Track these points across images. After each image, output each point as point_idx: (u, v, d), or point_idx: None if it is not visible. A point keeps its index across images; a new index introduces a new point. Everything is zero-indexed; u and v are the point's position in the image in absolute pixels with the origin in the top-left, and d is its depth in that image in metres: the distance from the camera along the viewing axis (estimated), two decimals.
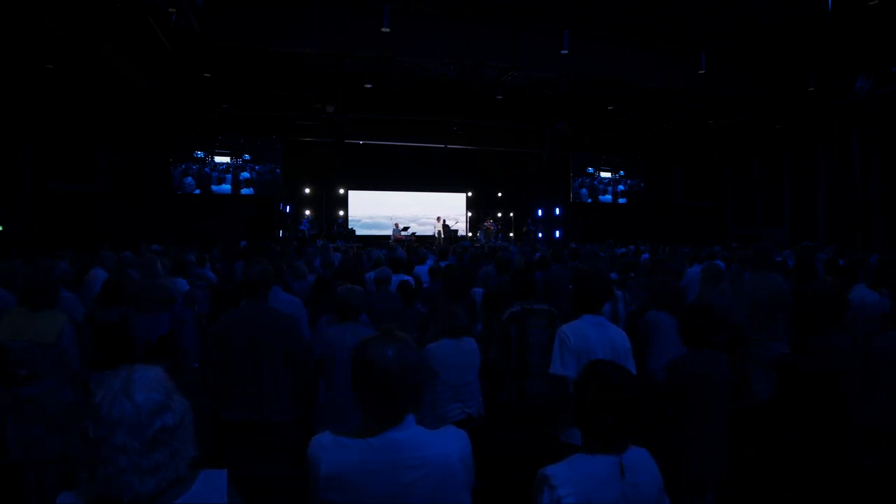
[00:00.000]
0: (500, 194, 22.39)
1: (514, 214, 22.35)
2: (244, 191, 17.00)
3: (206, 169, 16.66)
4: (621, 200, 20.94)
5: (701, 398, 2.79)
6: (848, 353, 3.22)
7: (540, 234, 20.49)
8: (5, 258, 8.35)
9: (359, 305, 3.45)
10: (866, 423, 3.09)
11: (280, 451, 3.06)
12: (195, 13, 9.07)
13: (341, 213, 20.47)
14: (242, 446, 3.07)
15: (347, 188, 20.65)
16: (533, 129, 17.88)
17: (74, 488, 1.16)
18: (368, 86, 13.64)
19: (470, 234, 20.55)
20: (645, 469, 1.73)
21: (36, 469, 3.21)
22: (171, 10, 8.33)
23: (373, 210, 20.99)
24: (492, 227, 19.80)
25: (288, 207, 18.34)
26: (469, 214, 22.09)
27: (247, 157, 16.99)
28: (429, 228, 19.95)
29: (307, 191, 19.62)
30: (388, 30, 10.38)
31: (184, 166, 16.51)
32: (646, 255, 9.67)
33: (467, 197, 22.35)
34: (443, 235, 18.57)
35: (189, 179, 16.53)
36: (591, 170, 20.52)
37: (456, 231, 19.47)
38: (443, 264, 6.89)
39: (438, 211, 20.36)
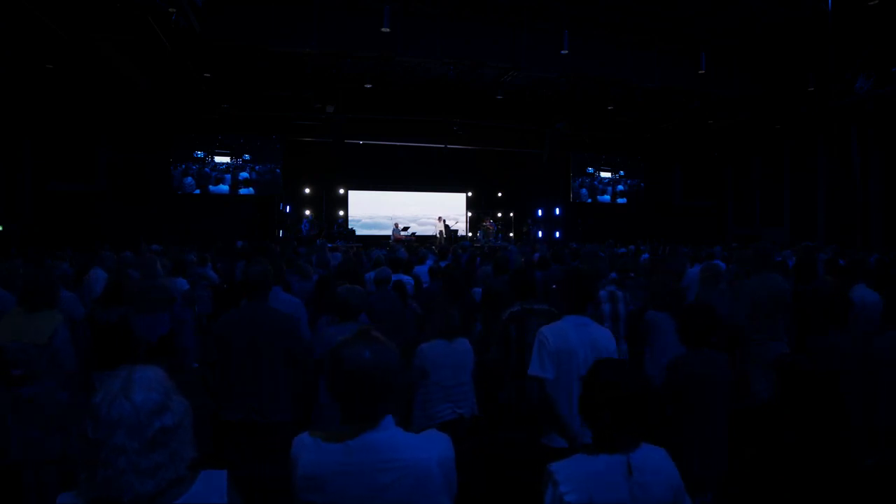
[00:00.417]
0: (500, 194, 22.39)
1: (514, 214, 22.35)
2: (244, 191, 16.99)
3: (206, 169, 16.66)
4: (621, 200, 20.94)
5: (701, 398, 2.79)
6: (848, 353, 3.22)
7: (540, 234, 20.48)
8: (5, 258, 8.35)
9: (359, 305, 3.46)
10: (866, 423, 3.09)
11: (280, 452, 3.03)
12: (195, 13, 9.07)
13: (341, 213, 20.46)
14: (242, 446, 3.07)
15: (347, 188, 20.65)
16: (533, 129, 17.88)
17: (74, 488, 1.16)
18: (368, 86, 13.63)
19: (470, 234, 20.54)
20: (656, 469, 1.70)
21: (36, 469, 3.21)
22: (171, 10, 8.32)
23: (373, 210, 20.99)
24: (491, 227, 19.80)
25: (288, 207, 18.35)
26: (469, 214, 22.09)
27: (247, 157, 16.99)
28: (429, 228, 19.95)
29: (307, 191, 19.62)
30: (388, 30, 10.38)
31: (184, 166, 16.50)
32: (646, 255, 9.68)
33: (467, 197, 22.35)
34: (444, 235, 18.56)
35: (189, 179, 16.53)
36: (591, 170, 20.52)
37: (456, 231, 19.47)
38: (443, 264, 6.89)
39: (438, 211, 20.36)
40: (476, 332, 4.22)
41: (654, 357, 3.87)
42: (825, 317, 3.43)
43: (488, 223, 20.02)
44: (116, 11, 8.74)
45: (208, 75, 13.10)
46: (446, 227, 19.03)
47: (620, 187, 20.96)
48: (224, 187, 16.78)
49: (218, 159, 16.80)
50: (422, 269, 6.80)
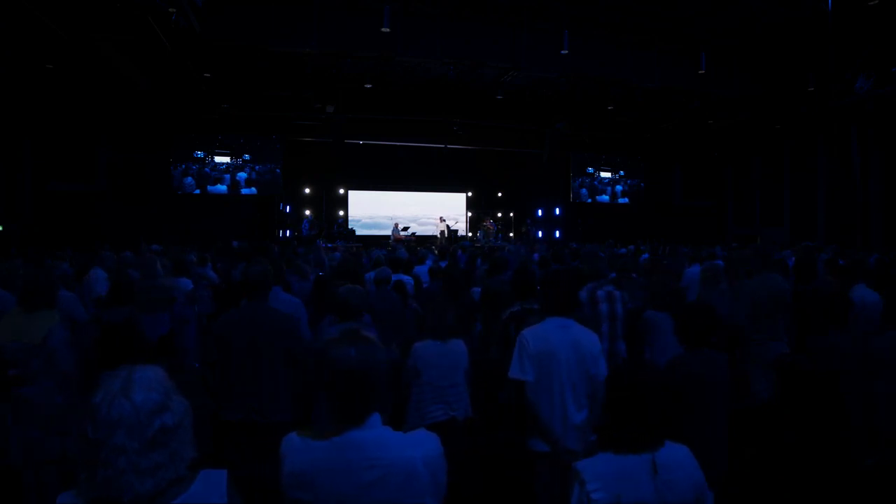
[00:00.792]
0: (500, 194, 22.39)
1: (514, 214, 22.36)
2: (246, 190, 17.00)
3: (206, 169, 16.66)
4: (623, 200, 20.94)
5: (700, 398, 2.79)
6: (848, 353, 3.21)
7: (540, 234, 20.49)
8: (5, 258, 8.34)
9: (359, 305, 3.45)
10: (866, 423, 3.09)
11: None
12: (195, 13, 9.07)
13: (341, 213, 20.47)
14: (242, 446, 3.07)
15: (347, 188, 20.65)
16: (533, 129, 17.88)
17: (74, 488, 1.16)
18: (368, 86, 13.63)
19: (470, 234, 20.54)
20: (681, 466, 1.73)
21: (36, 469, 3.21)
22: (171, 10, 8.32)
23: (373, 210, 20.99)
24: (491, 227, 19.80)
25: (288, 207, 18.35)
26: (469, 214, 22.09)
27: (247, 157, 16.99)
28: (429, 228, 19.95)
29: (307, 191, 19.62)
30: (388, 30, 10.38)
31: (184, 166, 16.50)
32: (645, 255, 9.68)
33: (467, 197, 22.35)
34: (445, 235, 18.57)
35: (189, 179, 16.53)
36: (591, 170, 20.52)
37: (456, 231, 19.48)
38: (443, 264, 6.89)
39: (439, 211, 20.37)
40: (475, 333, 4.22)
41: (654, 357, 3.87)
42: (825, 317, 3.43)
43: (488, 223, 20.02)
44: (116, 11, 8.74)
45: (208, 75, 13.10)
46: (447, 227, 19.03)
47: (620, 187, 20.96)
48: (222, 187, 16.78)
49: (218, 159, 16.80)
50: (422, 269, 6.80)
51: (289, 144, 17.40)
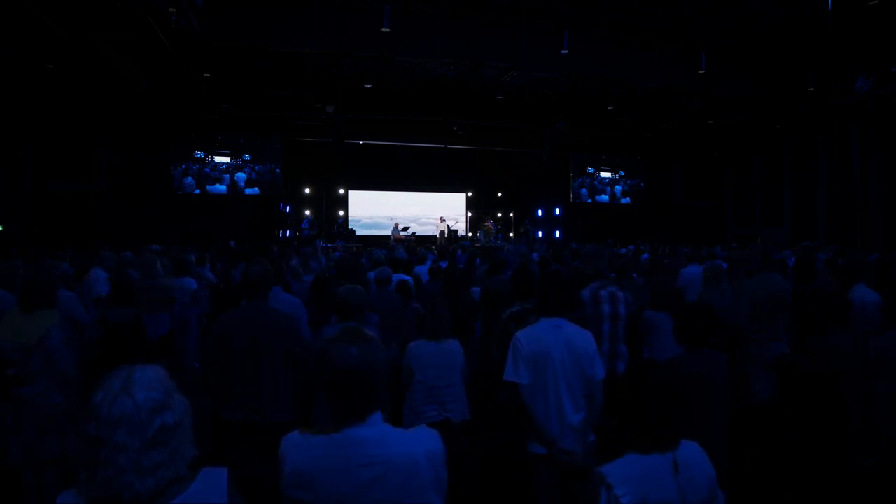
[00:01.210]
0: (500, 194, 22.39)
1: (514, 214, 22.35)
2: (249, 191, 17.01)
3: (206, 169, 16.67)
4: (625, 200, 20.95)
5: (700, 398, 2.79)
6: (848, 353, 3.21)
7: (540, 234, 20.49)
8: (5, 258, 8.34)
9: (359, 305, 3.45)
10: (866, 423, 3.09)
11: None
12: (195, 13, 9.07)
13: (341, 213, 20.47)
14: (242, 446, 3.07)
15: (347, 188, 20.65)
16: (533, 129, 17.88)
17: (75, 487, 1.16)
18: (368, 86, 13.63)
19: (470, 234, 20.55)
20: (698, 463, 1.75)
21: (36, 469, 3.21)
22: (171, 10, 8.32)
23: (373, 210, 20.99)
24: (491, 227, 19.80)
25: (288, 207, 18.36)
26: (469, 214, 22.09)
27: (247, 157, 16.99)
28: (429, 228, 19.95)
29: (307, 191, 19.62)
30: (388, 30, 10.38)
31: (184, 166, 16.50)
32: (645, 255, 9.68)
33: (467, 197, 22.35)
34: (445, 235, 18.57)
35: (189, 179, 16.53)
36: (591, 170, 20.52)
37: (456, 231, 19.48)
38: (443, 264, 6.89)
39: (439, 211, 20.36)
40: (475, 333, 4.22)
41: (653, 357, 3.87)
42: (825, 317, 3.43)
43: (489, 223, 20.02)
44: (116, 11, 8.74)
45: (208, 75, 13.10)
46: (447, 227, 19.04)
47: (620, 187, 20.96)
48: (222, 187, 16.78)
49: (218, 159, 16.79)
50: (422, 269, 6.80)
51: (289, 144, 17.40)
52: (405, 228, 18.71)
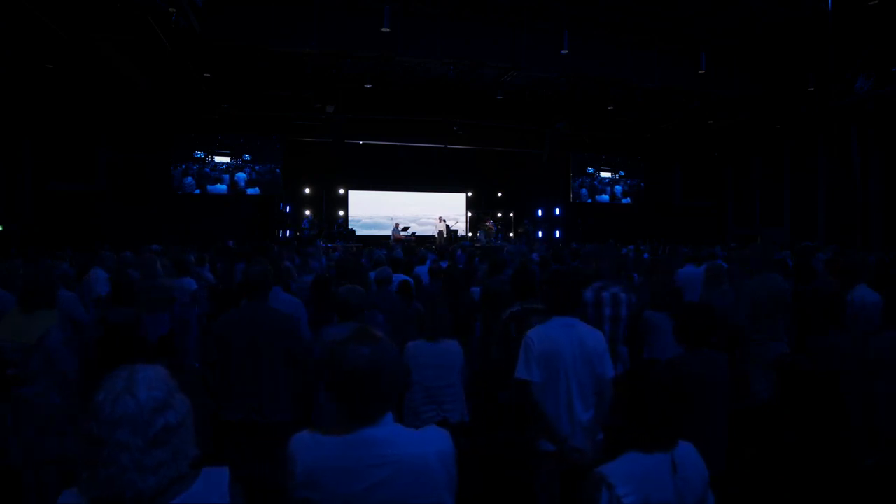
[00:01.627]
0: (500, 194, 22.39)
1: (514, 214, 22.35)
2: (250, 191, 17.01)
3: (206, 169, 16.67)
4: (625, 200, 20.96)
5: (700, 398, 2.79)
6: (848, 353, 3.21)
7: (539, 234, 20.49)
8: (5, 258, 8.34)
9: (360, 305, 3.45)
10: (866, 423, 3.09)
11: (280, 452, 3.05)
12: (195, 13, 9.07)
13: (341, 213, 20.46)
14: (242, 446, 3.07)
15: (347, 188, 20.64)
16: (533, 129, 17.88)
17: (76, 486, 1.16)
18: (368, 86, 13.63)
19: (470, 234, 20.55)
20: (693, 464, 1.76)
21: (36, 469, 3.21)
22: (171, 10, 8.33)
23: (373, 210, 20.99)
24: (492, 227, 19.80)
25: (288, 207, 18.36)
26: (469, 214, 22.09)
27: (247, 157, 16.99)
28: (429, 228, 19.94)
29: (307, 191, 19.62)
30: (388, 30, 10.38)
31: (184, 166, 16.50)
32: (646, 255, 9.67)
33: (467, 197, 22.34)
34: (445, 235, 18.57)
35: (189, 179, 16.53)
36: (591, 170, 20.53)
37: (456, 231, 19.47)
38: (443, 264, 6.88)
39: (438, 211, 20.35)
40: (476, 332, 4.22)
41: (653, 357, 3.86)
42: (825, 317, 3.43)
43: (489, 223, 20.02)
44: (116, 11, 8.74)
45: (208, 75, 13.10)
46: (447, 227, 19.04)
47: (620, 187, 20.96)
48: (222, 187, 16.78)
49: (218, 159, 16.80)
50: (422, 270, 6.80)
51: (289, 144, 17.40)
52: (405, 228, 18.71)
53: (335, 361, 1.49)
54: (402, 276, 5.48)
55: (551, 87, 14.61)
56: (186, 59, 11.62)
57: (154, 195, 16.05)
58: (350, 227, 19.58)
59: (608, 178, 20.78)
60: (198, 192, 16.60)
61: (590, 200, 20.42)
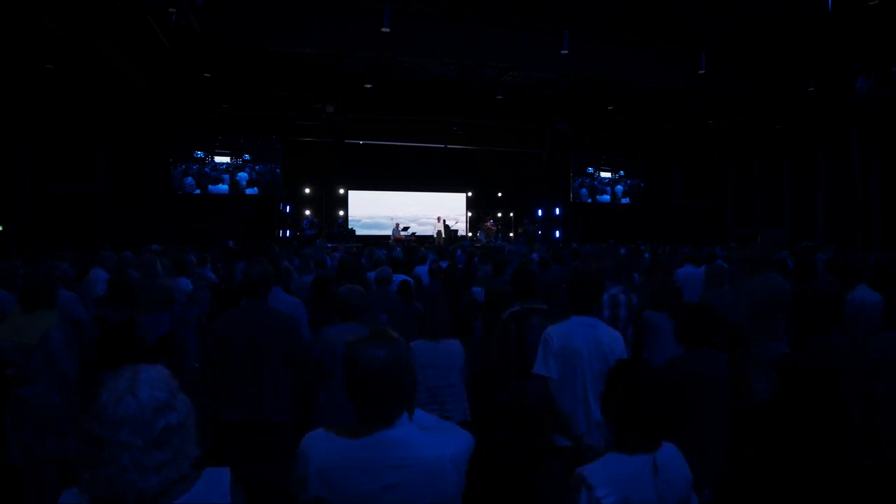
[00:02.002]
0: (500, 194, 22.39)
1: (514, 214, 22.35)
2: (249, 191, 17.01)
3: (207, 169, 16.67)
4: (625, 200, 20.96)
5: (700, 398, 2.79)
6: (848, 353, 3.22)
7: (539, 234, 20.49)
8: (5, 258, 8.34)
9: (360, 305, 3.45)
10: (866, 423, 3.09)
11: (280, 452, 3.06)
12: (195, 13, 9.07)
13: (341, 213, 20.46)
14: (242, 446, 3.07)
15: (347, 188, 20.64)
16: (533, 129, 17.88)
17: (77, 486, 1.16)
18: (368, 86, 13.64)
19: (470, 234, 20.55)
20: (676, 465, 1.74)
21: (36, 469, 3.21)
22: (171, 10, 8.33)
23: (373, 210, 20.99)
24: (492, 227, 19.80)
25: (288, 207, 18.36)
26: (469, 214, 22.09)
27: (247, 157, 17.00)
28: (428, 228, 19.95)
29: (307, 191, 19.62)
30: (388, 30, 10.38)
31: (184, 166, 16.50)
32: (646, 256, 9.67)
33: (467, 197, 22.34)
34: (443, 235, 18.57)
35: (189, 179, 16.54)
36: (591, 170, 20.53)
37: (456, 231, 19.47)
38: (443, 264, 6.88)
39: (438, 211, 20.36)
40: (476, 333, 4.22)
41: (653, 357, 3.87)
42: (825, 317, 3.43)
43: (489, 223, 20.02)
44: (116, 11, 8.74)
45: (208, 75, 13.10)
46: (446, 227, 19.04)
47: (620, 187, 20.96)
48: (223, 187, 16.78)
49: (218, 159, 16.80)
50: (422, 269, 6.80)
51: (289, 144, 17.40)
52: (405, 228, 18.71)
53: (351, 363, 1.48)
54: (402, 276, 5.49)
55: (551, 87, 14.61)
56: (186, 59, 11.62)
57: (154, 195, 16.05)
58: (350, 227, 19.58)
59: (608, 178, 20.78)
60: (198, 192, 16.60)
61: (590, 200, 20.42)
